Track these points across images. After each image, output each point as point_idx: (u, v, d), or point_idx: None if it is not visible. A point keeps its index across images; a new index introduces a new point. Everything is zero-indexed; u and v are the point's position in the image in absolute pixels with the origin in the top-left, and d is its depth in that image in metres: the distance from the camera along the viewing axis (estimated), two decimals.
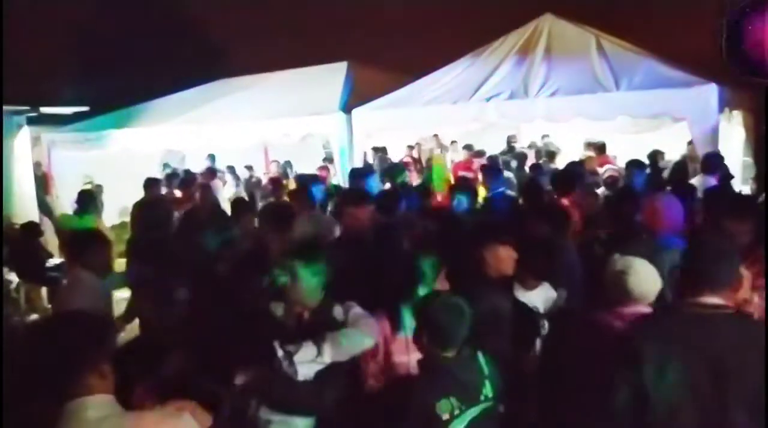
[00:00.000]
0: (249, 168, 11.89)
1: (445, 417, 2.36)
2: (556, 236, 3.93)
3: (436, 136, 11.50)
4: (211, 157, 11.39)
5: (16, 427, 1.83)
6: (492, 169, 7.30)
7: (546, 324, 3.21)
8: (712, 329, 2.11)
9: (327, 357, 2.55)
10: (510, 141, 11.16)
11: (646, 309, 2.63)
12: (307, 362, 2.53)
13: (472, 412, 2.42)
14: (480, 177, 7.73)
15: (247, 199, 8.53)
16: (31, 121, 10.24)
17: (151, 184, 7.81)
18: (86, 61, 20.68)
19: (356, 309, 2.80)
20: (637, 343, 2.18)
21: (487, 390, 2.49)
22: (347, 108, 9.58)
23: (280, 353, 2.49)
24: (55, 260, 7.42)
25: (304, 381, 2.54)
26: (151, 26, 22.18)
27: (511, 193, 6.92)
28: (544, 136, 11.21)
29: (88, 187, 10.18)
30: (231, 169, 11.16)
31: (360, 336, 2.67)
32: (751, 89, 8.50)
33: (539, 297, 3.37)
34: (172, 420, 1.78)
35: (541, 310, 3.30)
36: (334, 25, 20.72)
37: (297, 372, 2.51)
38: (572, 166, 7.35)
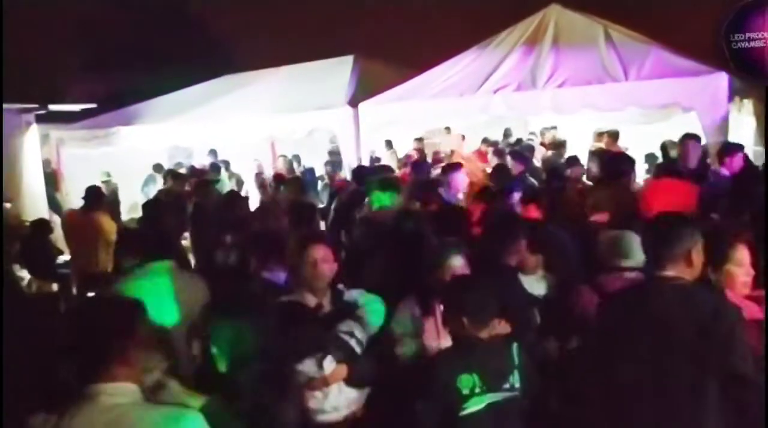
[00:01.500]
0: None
1: (465, 392, 2.43)
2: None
3: (447, 128, 11.42)
4: (213, 153, 11.36)
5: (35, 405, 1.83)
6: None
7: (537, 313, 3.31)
8: (666, 298, 2.36)
9: (365, 336, 2.78)
10: (507, 134, 11.05)
11: (633, 275, 2.99)
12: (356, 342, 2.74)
13: (494, 396, 2.47)
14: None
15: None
16: (39, 119, 10.31)
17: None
18: (94, 58, 20.75)
19: (365, 294, 2.97)
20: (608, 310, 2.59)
21: (515, 379, 2.52)
22: (354, 102, 9.56)
23: (341, 335, 2.70)
24: (65, 256, 7.48)
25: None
26: (157, 23, 22.22)
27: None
28: (545, 128, 11.05)
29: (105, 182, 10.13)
30: (226, 164, 11.13)
31: (379, 313, 2.90)
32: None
33: (539, 283, 3.44)
34: (179, 418, 1.76)
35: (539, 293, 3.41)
36: (339, 18, 20.66)
37: (356, 350, 2.72)
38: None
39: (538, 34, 9.08)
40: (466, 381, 2.43)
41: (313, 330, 2.72)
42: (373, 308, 2.88)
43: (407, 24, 19.85)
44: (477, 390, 2.44)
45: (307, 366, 2.67)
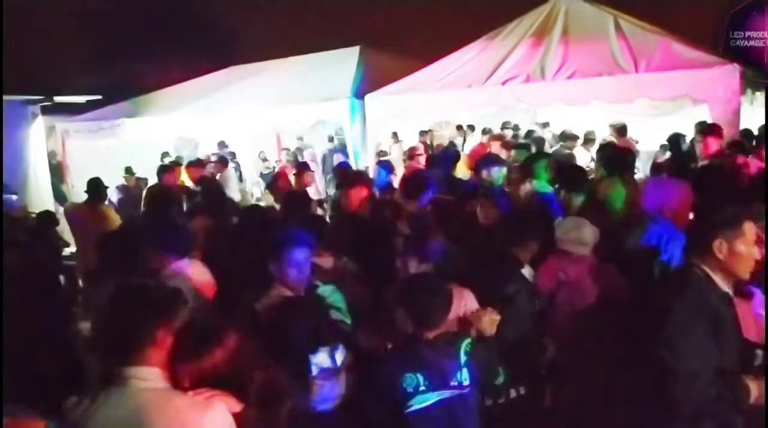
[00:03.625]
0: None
1: (409, 390, 2.52)
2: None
3: (459, 126, 11.30)
4: (222, 144, 11.33)
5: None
6: None
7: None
8: None
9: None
10: (504, 126, 10.94)
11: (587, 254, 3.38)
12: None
13: (442, 394, 2.52)
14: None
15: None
16: (45, 111, 10.30)
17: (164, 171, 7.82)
18: (99, 49, 20.75)
19: (324, 285, 3.06)
20: None
21: (462, 377, 2.56)
22: (360, 94, 9.49)
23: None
24: (71, 248, 7.47)
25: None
26: (163, 14, 22.18)
27: None
28: (543, 124, 10.91)
29: (129, 179, 10.01)
30: (232, 156, 11.10)
31: (342, 302, 3.03)
32: None
33: (527, 273, 3.48)
34: (203, 408, 1.79)
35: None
36: (346, 9, 20.55)
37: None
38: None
39: (547, 24, 8.96)
40: (410, 380, 2.50)
41: (317, 322, 2.76)
42: (336, 297, 3.00)
43: (414, 15, 19.74)
44: (421, 388, 2.50)
45: (321, 358, 2.71)
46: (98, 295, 3.01)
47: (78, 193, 10.22)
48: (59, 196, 9.98)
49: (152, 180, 8.84)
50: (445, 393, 2.52)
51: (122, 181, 9.84)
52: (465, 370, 2.56)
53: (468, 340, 2.63)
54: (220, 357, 1.89)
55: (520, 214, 4.17)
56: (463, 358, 2.57)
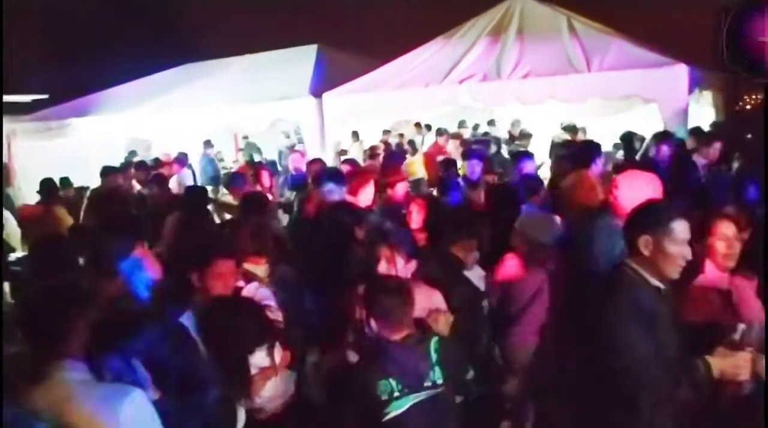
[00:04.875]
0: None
1: (384, 397, 2.43)
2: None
3: (417, 124, 11.32)
4: (208, 144, 11.02)
5: None
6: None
7: (486, 303, 3.32)
8: None
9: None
10: (461, 125, 11.03)
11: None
12: None
13: (417, 396, 2.46)
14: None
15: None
16: None
17: (108, 172, 7.60)
18: (47, 46, 20.03)
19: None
20: None
21: (436, 376, 2.51)
22: (318, 92, 9.41)
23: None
24: (17, 254, 7.18)
25: None
26: (115, 9, 21.57)
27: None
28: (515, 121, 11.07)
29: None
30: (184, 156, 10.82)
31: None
32: (721, 69, 8.56)
33: (476, 275, 3.40)
34: (125, 394, 1.85)
35: (481, 288, 3.39)
36: (303, 7, 20.38)
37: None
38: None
39: (503, 24, 9.08)
40: (384, 387, 2.43)
41: (255, 321, 2.67)
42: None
43: (372, 13, 19.70)
44: (396, 394, 2.43)
45: (258, 358, 2.63)
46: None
47: (24, 196, 9.84)
48: (5, 200, 9.57)
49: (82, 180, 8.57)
50: (421, 395, 2.47)
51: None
52: (437, 368, 2.51)
53: (436, 338, 2.59)
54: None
55: (457, 211, 4.14)
56: (434, 357, 2.53)
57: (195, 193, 5.78)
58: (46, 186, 6.63)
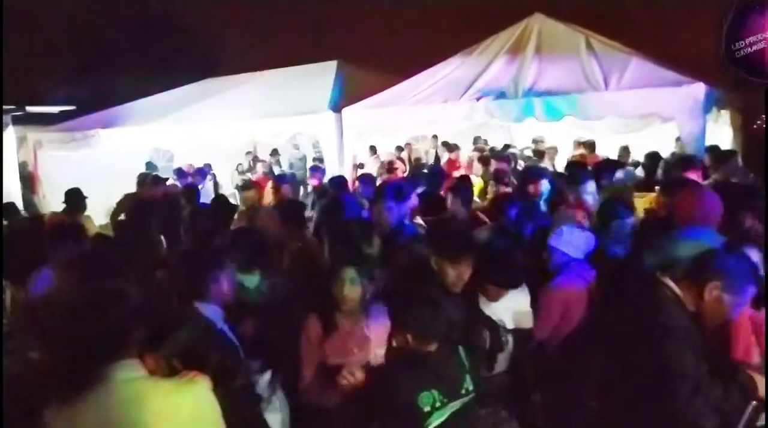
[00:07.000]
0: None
1: (427, 409, 2.41)
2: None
3: (435, 136, 11.41)
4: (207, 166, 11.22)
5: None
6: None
7: (510, 339, 3.05)
8: None
9: None
10: (476, 142, 11.10)
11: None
12: None
13: (454, 405, 2.47)
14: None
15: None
16: (16, 121, 10.14)
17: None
18: (74, 60, 20.50)
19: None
20: None
21: (468, 383, 2.54)
22: (337, 107, 9.54)
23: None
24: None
25: None
26: (139, 25, 22.04)
27: None
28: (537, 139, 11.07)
29: None
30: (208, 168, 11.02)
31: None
32: (739, 89, 8.56)
33: (503, 307, 3.09)
34: (189, 387, 1.88)
35: (508, 323, 3.07)
36: (324, 23, 20.66)
37: None
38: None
39: (521, 42, 9.15)
40: (427, 399, 2.40)
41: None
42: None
43: (392, 30, 19.91)
44: (438, 404, 2.42)
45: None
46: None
47: (49, 204, 10.07)
48: (30, 207, 9.80)
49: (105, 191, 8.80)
50: (456, 404, 2.48)
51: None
52: (468, 376, 2.54)
53: (462, 346, 2.61)
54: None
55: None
56: (466, 364, 2.57)
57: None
58: (73, 195, 6.71)
